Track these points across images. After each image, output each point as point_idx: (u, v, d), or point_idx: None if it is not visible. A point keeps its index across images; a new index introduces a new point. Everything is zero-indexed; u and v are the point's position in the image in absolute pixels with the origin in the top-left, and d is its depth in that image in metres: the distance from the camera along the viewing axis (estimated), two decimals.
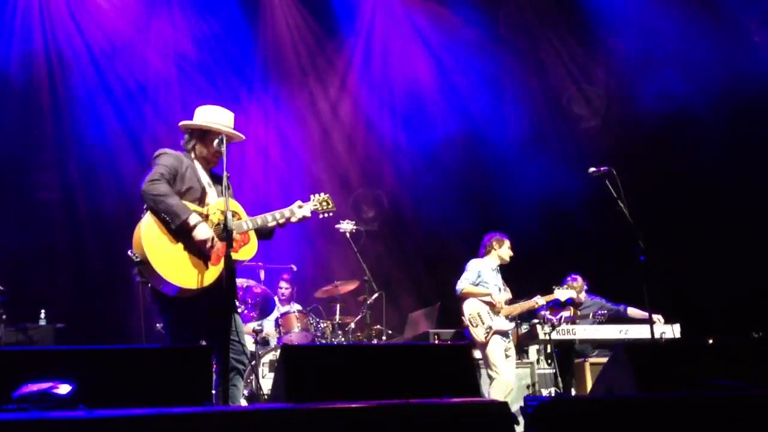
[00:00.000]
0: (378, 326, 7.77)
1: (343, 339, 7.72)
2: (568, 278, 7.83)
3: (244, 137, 4.73)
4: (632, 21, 9.48)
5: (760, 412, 3.25)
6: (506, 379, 6.81)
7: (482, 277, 7.16)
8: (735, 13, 8.90)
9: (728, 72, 8.74)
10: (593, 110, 9.85)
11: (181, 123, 4.68)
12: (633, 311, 7.89)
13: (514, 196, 7.20)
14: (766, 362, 3.81)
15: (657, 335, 6.85)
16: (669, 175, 9.11)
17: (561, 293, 7.10)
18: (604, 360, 7.04)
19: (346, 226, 7.55)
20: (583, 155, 9.00)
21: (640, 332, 7.26)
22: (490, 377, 6.89)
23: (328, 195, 4.92)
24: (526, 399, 2.96)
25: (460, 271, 7.27)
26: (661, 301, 5.99)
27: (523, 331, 7.80)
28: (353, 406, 2.92)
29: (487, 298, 7.04)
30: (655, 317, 6.82)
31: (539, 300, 7.15)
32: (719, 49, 8.88)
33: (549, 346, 7.71)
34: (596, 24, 9.73)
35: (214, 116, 4.64)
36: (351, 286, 8.04)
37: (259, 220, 4.57)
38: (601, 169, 5.42)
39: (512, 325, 7.11)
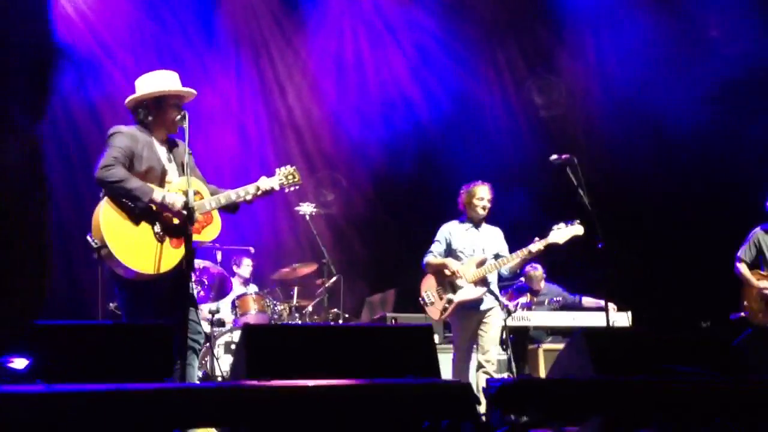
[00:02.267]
0: (335, 310, 7.77)
1: (300, 322, 7.70)
2: (528, 267, 7.90)
3: (196, 92, 4.57)
4: (595, 11, 9.59)
5: (710, 396, 3.35)
6: (461, 360, 6.16)
7: (453, 243, 6.26)
8: (693, 8, 9.07)
9: (687, 64, 8.93)
10: (555, 99, 9.95)
11: (131, 98, 4.46)
12: (588, 301, 8.02)
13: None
14: (715, 350, 3.92)
15: (609, 323, 6.97)
16: (628, 165, 9.26)
17: (559, 234, 5.96)
18: (558, 346, 7.18)
19: (306, 208, 7.53)
20: (545, 143, 9.09)
21: (592, 320, 7.39)
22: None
23: (294, 167, 4.81)
24: (489, 380, 2.99)
25: (418, 256, 7.28)
26: (614, 289, 6.10)
27: None
28: (317, 384, 2.92)
29: (446, 270, 6.15)
30: (610, 305, 6.94)
31: (534, 246, 5.97)
32: (680, 41, 9.06)
33: (504, 332, 7.79)
34: (561, 14, 9.82)
35: (163, 81, 4.46)
36: (309, 269, 8.02)
37: (222, 198, 4.49)
38: (563, 156, 5.49)
39: (481, 290, 6.09)
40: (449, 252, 6.25)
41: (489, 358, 6.07)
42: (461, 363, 6.16)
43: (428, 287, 6.26)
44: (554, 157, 5.58)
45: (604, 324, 6.01)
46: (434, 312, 6.22)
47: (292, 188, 4.81)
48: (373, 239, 10.06)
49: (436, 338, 6.99)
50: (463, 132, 9.83)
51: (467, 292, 6.08)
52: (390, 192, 10.07)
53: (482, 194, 6.22)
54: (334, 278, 7.66)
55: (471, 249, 6.23)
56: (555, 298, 8.00)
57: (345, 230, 9.90)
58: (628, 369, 3.52)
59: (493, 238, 6.31)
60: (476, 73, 10.11)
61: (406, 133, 9.89)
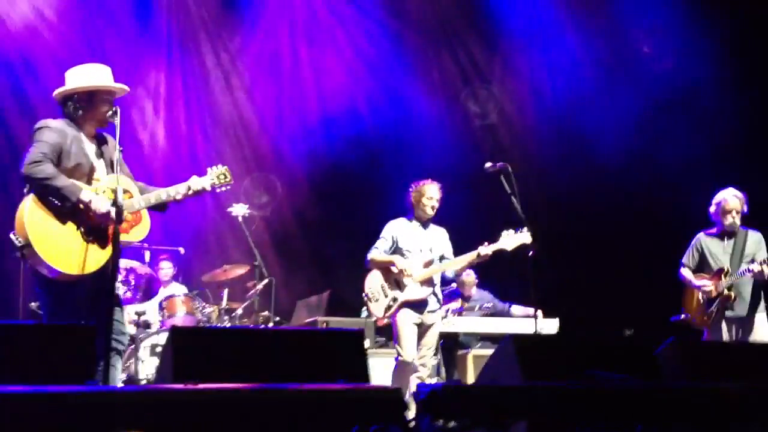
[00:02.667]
0: (266, 313, 7.69)
1: (229, 324, 7.60)
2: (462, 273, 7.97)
3: (128, 89, 4.47)
4: (531, 23, 9.78)
5: (632, 402, 3.45)
6: (409, 360, 5.87)
7: (400, 242, 6.07)
8: (626, 24, 9.33)
9: (616, 80, 9.19)
10: (489, 108, 10.09)
11: (60, 90, 4.32)
12: (517, 309, 8.14)
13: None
14: (637, 357, 4.02)
15: (535, 330, 7.09)
16: (559, 175, 9.45)
17: (508, 241, 5.79)
18: (487, 352, 7.25)
19: (239, 210, 7.44)
20: (479, 151, 9.22)
21: (521, 326, 7.50)
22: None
23: (225, 167, 4.74)
24: (419, 386, 3.00)
25: (351, 260, 7.27)
26: (543, 296, 6.20)
27: None
28: (245, 388, 2.88)
29: (393, 267, 5.97)
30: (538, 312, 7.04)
31: (483, 249, 5.83)
32: (613, 55, 9.32)
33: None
34: (496, 23, 9.97)
35: (96, 75, 4.35)
36: (240, 271, 7.93)
37: (152, 198, 4.39)
38: (497, 164, 5.57)
39: (427, 291, 5.95)
40: (395, 250, 6.08)
41: (425, 362, 6.01)
42: (407, 365, 5.89)
43: (372, 284, 6.08)
44: (489, 164, 5.66)
45: (532, 331, 6.11)
46: (378, 309, 6.05)
47: (223, 188, 4.74)
48: (305, 242, 10.01)
49: (367, 343, 6.99)
50: (400, 137, 9.88)
51: (414, 291, 5.93)
52: (325, 196, 10.03)
53: (431, 193, 6.09)
54: (265, 281, 7.57)
55: (418, 248, 6.07)
56: (485, 305, 8.09)
57: (278, 233, 9.82)
58: (554, 375, 3.58)
59: (439, 238, 6.20)
60: (416, 78, 10.17)
61: (344, 136, 9.87)
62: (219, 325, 7.58)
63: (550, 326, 7.52)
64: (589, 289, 8.94)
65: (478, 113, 10.12)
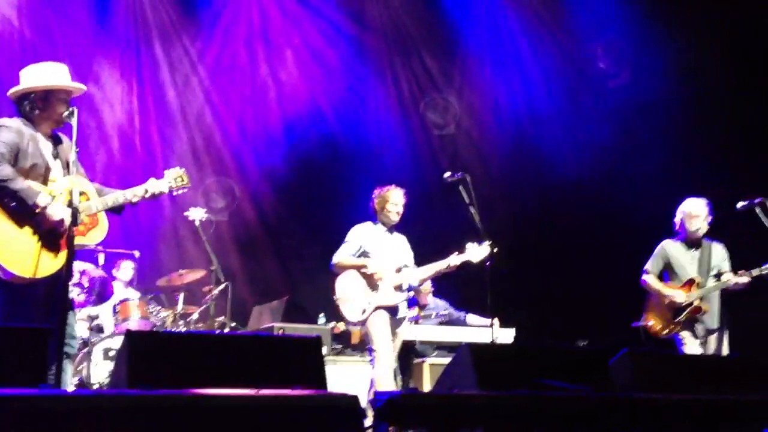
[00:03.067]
0: (222, 318, 7.62)
1: (184, 329, 7.52)
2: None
3: (85, 88, 4.44)
4: (490, 36, 9.90)
5: (584, 411, 3.50)
6: (388, 363, 5.80)
7: (366, 246, 6.00)
8: (583, 39, 9.50)
9: (576, 91, 9.34)
10: (448, 118, 10.16)
11: (15, 90, 4.26)
12: (472, 318, 8.18)
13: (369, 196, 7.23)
14: (591, 367, 4.07)
15: (492, 339, 7.13)
16: (517, 185, 9.56)
17: (474, 253, 5.83)
18: (443, 361, 7.28)
19: (196, 214, 7.36)
20: (438, 161, 9.29)
21: (478, 336, 7.54)
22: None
23: (183, 170, 4.69)
24: (376, 393, 3.01)
25: (309, 267, 7.25)
26: (499, 306, 6.25)
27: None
28: (201, 393, 2.86)
29: (366, 270, 5.90)
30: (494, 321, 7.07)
31: (454, 260, 5.88)
32: (570, 69, 9.47)
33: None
34: (454, 34, 10.07)
35: (53, 74, 4.28)
36: (196, 276, 7.86)
37: (109, 200, 4.34)
38: (456, 175, 5.60)
39: (403, 296, 5.94)
40: (361, 255, 6.00)
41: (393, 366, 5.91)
42: (388, 369, 5.79)
43: (345, 286, 5.96)
44: (448, 174, 5.68)
45: (489, 340, 6.15)
46: (352, 312, 5.90)
47: (180, 191, 4.70)
48: (263, 248, 9.96)
49: (324, 350, 6.97)
50: (360, 144, 9.90)
51: (388, 296, 5.86)
52: (283, 202, 10.00)
53: (396, 199, 6.03)
54: (222, 286, 7.51)
55: (385, 254, 5.99)
56: (441, 312, 8.12)
57: (235, 238, 9.75)
58: (510, 384, 3.62)
59: (403, 244, 6.15)
60: (376, 85, 10.21)
61: (304, 143, 9.86)
62: (174, 329, 7.50)
63: (506, 336, 7.58)
64: (545, 299, 9.05)
65: (436, 123, 10.19)
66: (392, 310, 5.90)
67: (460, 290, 8.31)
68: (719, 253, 6.33)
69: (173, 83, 9.72)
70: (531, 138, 9.55)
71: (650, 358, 4.27)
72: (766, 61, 8.29)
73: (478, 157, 9.85)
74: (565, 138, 9.29)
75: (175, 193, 4.70)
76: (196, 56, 9.85)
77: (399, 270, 5.93)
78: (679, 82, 8.66)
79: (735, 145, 8.37)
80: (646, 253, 6.56)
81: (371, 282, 5.88)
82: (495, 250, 5.79)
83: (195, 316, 7.63)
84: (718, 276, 6.24)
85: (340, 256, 5.98)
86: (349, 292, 5.91)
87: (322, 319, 8.13)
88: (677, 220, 6.39)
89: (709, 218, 6.27)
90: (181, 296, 7.73)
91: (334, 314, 8.01)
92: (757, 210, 5.89)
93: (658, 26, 8.75)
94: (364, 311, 5.81)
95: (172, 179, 4.63)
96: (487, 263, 5.42)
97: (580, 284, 8.92)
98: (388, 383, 5.71)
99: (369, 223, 6.12)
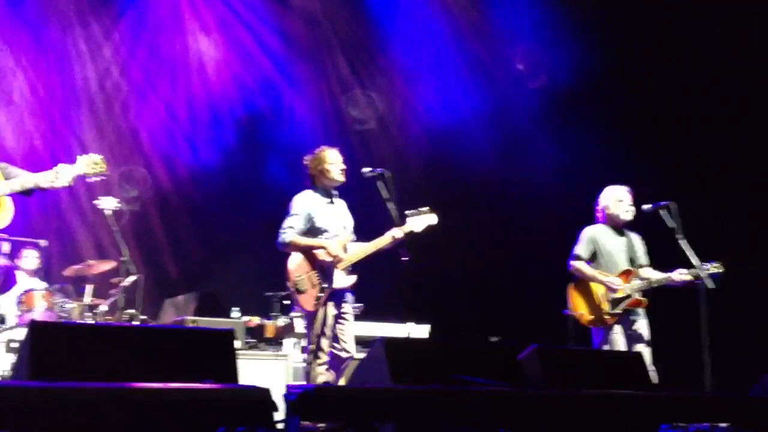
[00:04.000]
0: (132, 310, 7.42)
1: (92, 322, 7.29)
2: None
3: None
4: (413, 31, 9.99)
5: (496, 406, 3.56)
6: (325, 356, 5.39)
7: (317, 219, 5.47)
8: (504, 42, 9.68)
9: (495, 90, 9.52)
10: (369, 114, 10.18)
11: None
12: None
13: (291, 191, 7.12)
14: (502, 362, 4.16)
15: (406, 334, 7.18)
16: (439, 180, 9.66)
17: (415, 222, 5.54)
18: (358, 356, 7.29)
19: (107, 203, 7.16)
20: (358, 157, 9.28)
21: (393, 331, 7.58)
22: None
23: (101, 157, 4.54)
24: (289, 387, 2.98)
25: (223, 260, 7.13)
26: (414, 301, 6.30)
27: (281, 323, 7.83)
28: (107, 387, 2.78)
29: (321, 252, 5.37)
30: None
31: (397, 232, 5.42)
32: (489, 69, 9.64)
33: (305, 340, 7.81)
34: (379, 31, 10.10)
35: None
36: (106, 267, 7.63)
37: (16, 185, 4.17)
38: (376, 170, 5.56)
39: (352, 279, 5.51)
40: (311, 229, 5.46)
41: (353, 354, 5.55)
42: (318, 361, 5.39)
43: (300, 272, 5.38)
44: (367, 170, 5.64)
45: (404, 335, 6.18)
46: (307, 301, 5.36)
47: (96, 178, 4.55)
48: (176, 240, 9.75)
49: (238, 344, 6.88)
50: (275, 135, 9.83)
51: (342, 279, 5.41)
52: (198, 193, 9.82)
53: (333, 158, 5.54)
54: (132, 278, 7.30)
55: (334, 227, 5.51)
56: (356, 307, 8.10)
57: (147, 229, 9.52)
58: (423, 378, 3.65)
59: (345, 213, 5.69)
60: (299, 77, 10.16)
61: (220, 133, 9.72)
62: (81, 322, 7.27)
63: (420, 331, 7.64)
64: (460, 295, 9.17)
65: (357, 118, 10.20)
66: (343, 294, 5.53)
67: (375, 285, 8.33)
68: (640, 244, 6.33)
69: (86, 67, 9.41)
70: (451, 135, 9.67)
71: (558, 354, 4.39)
72: (678, 60, 8.61)
73: (397, 154, 9.90)
74: (484, 136, 9.45)
75: (89, 180, 4.54)
76: (110, 40, 9.57)
77: (346, 249, 5.45)
78: (594, 80, 8.92)
79: (647, 144, 8.67)
80: (561, 247, 6.54)
81: (326, 265, 5.38)
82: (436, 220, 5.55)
83: (103, 308, 7.40)
84: (640, 268, 6.20)
85: (290, 235, 5.39)
86: (304, 279, 5.37)
87: (236, 312, 8.02)
88: (600, 207, 6.31)
89: (633, 207, 6.22)
90: (90, 287, 7.49)
91: (249, 308, 7.94)
92: (662, 213, 6.07)
93: (574, 27, 8.99)
94: (318, 299, 5.30)
95: (86, 165, 4.47)
96: (403, 258, 5.41)
97: (495, 280, 9.08)
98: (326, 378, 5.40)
99: (309, 191, 5.60)
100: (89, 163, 4.48)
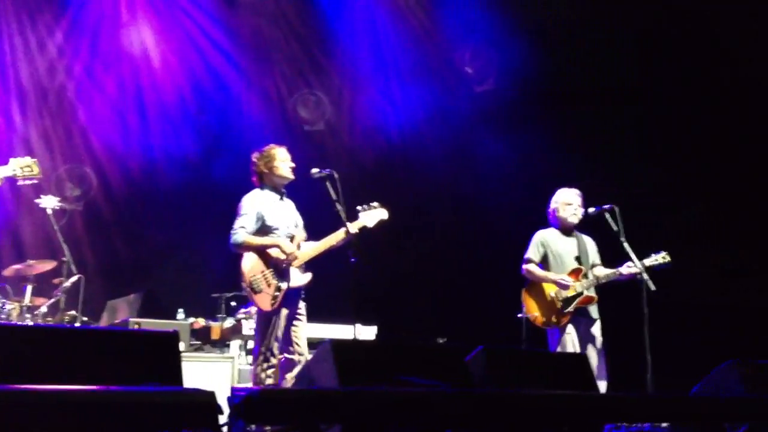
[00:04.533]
0: (73, 312, 7.27)
1: (31, 323, 7.10)
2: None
3: None
4: (362, 32, 9.98)
5: (442, 407, 3.56)
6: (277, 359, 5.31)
7: (269, 217, 5.43)
8: (452, 45, 9.75)
9: (445, 94, 9.57)
10: (318, 114, 10.14)
11: None
12: None
13: (238, 191, 7.03)
14: (449, 363, 4.17)
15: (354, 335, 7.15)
16: (388, 181, 9.66)
17: (367, 218, 5.63)
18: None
19: (48, 202, 7.01)
20: (307, 157, 9.23)
21: (340, 332, 7.55)
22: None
23: (34, 160, 4.43)
24: (233, 390, 2.94)
25: (169, 260, 7.02)
26: (362, 302, 6.27)
27: (228, 325, 7.74)
28: (45, 389, 2.70)
29: (274, 251, 5.35)
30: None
31: (351, 227, 5.48)
32: (439, 73, 9.69)
33: (251, 342, 7.74)
34: (328, 31, 10.07)
35: None
36: (46, 267, 7.46)
37: None
38: (324, 171, 5.54)
39: (308, 277, 5.49)
40: (262, 229, 5.41)
41: (306, 356, 5.44)
42: (267, 364, 5.34)
43: (255, 272, 5.32)
44: (315, 170, 5.61)
45: (351, 336, 6.15)
46: (264, 301, 5.30)
47: (27, 182, 4.44)
48: (119, 240, 9.57)
49: (182, 346, 6.77)
50: (223, 133, 9.73)
51: (297, 277, 5.38)
52: (142, 193, 9.66)
53: (283, 155, 5.53)
54: (74, 278, 7.16)
55: (285, 225, 5.48)
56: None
57: (90, 229, 9.33)
58: (371, 380, 3.64)
59: (294, 212, 5.65)
60: (247, 76, 10.06)
61: (165, 132, 9.58)
62: (20, 323, 7.08)
63: (368, 333, 7.63)
64: (407, 297, 9.19)
65: (306, 119, 10.16)
66: (297, 293, 5.49)
67: (321, 287, 8.29)
68: (592, 246, 6.45)
69: (26, 63, 9.18)
70: (400, 136, 9.69)
71: (504, 355, 4.42)
72: (626, 60, 8.77)
73: (346, 155, 9.89)
74: (433, 137, 9.50)
75: (20, 183, 4.43)
76: (53, 33, 9.35)
77: (299, 246, 5.43)
78: (542, 81, 9.04)
79: (596, 146, 8.81)
80: (512, 248, 6.61)
81: (280, 264, 5.35)
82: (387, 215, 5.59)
83: (43, 309, 7.23)
84: (592, 267, 6.32)
85: (243, 235, 5.33)
86: (259, 279, 5.31)
87: (181, 314, 7.90)
88: (551, 209, 6.44)
89: (582, 209, 6.34)
90: (29, 288, 7.31)
91: (195, 309, 7.83)
92: (607, 215, 6.18)
93: (521, 31, 9.10)
94: (275, 299, 5.27)
95: (18, 167, 4.35)
96: (352, 259, 5.40)
97: (443, 282, 9.12)
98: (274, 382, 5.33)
99: (257, 190, 5.56)
100: (21, 166, 4.38)
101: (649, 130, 8.72)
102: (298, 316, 5.50)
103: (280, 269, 5.35)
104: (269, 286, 5.30)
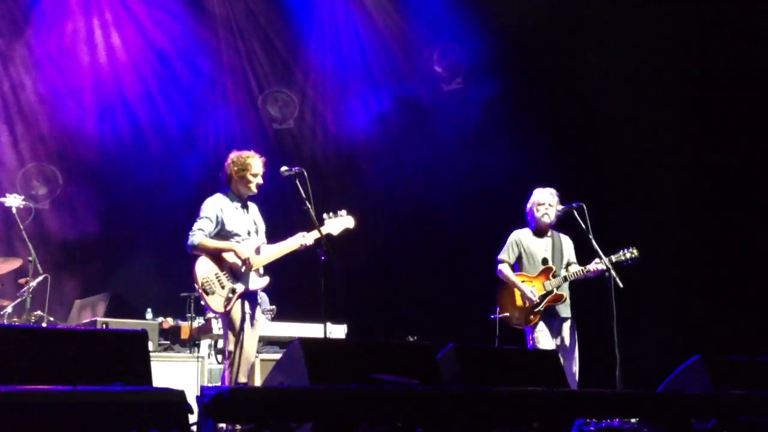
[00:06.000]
0: (39, 312, 7.16)
1: None
2: None
3: None
4: (331, 32, 9.98)
5: (412, 404, 3.58)
6: (248, 359, 5.36)
7: (227, 222, 5.43)
8: (421, 45, 9.78)
9: (413, 91, 9.61)
10: (287, 113, 10.11)
11: None
12: None
13: (205, 190, 6.94)
14: (419, 361, 4.19)
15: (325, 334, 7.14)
16: (357, 180, 9.66)
17: (333, 225, 5.66)
18: (274, 356, 7.22)
19: (13, 200, 6.91)
20: (276, 156, 9.20)
21: (310, 331, 7.54)
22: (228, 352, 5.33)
23: None
24: (203, 389, 2.92)
25: (137, 259, 6.96)
26: (331, 301, 6.25)
27: (197, 324, 7.68)
28: (13, 390, 2.66)
29: (230, 255, 5.35)
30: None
31: (308, 239, 5.50)
32: (406, 71, 9.72)
33: (221, 341, 7.68)
34: (297, 30, 10.05)
35: None
36: (11, 266, 7.34)
37: None
38: (293, 169, 5.51)
39: (266, 280, 5.50)
40: (221, 233, 5.42)
41: (252, 360, 5.52)
42: (245, 367, 5.33)
43: (207, 274, 5.30)
44: (285, 168, 5.59)
45: (320, 335, 6.13)
46: (216, 303, 5.28)
47: None
48: (87, 238, 9.46)
49: (151, 345, 6.70)
50: (189, 132, 9.66)
51: (253, 281, 5.40)
52: (110, 191, 9.55)
53: (258, 168, 5.52)
54: (40, 278, 7.06)
55: (245, 231, 5.49)
56: (267, 308, 8.03)
57: (57, 228, 9.20)
58: (341, 378, 3.64)
59: (257, 217, 5.69)
60: (214, 74, 10.01)
61: (132, 130, 9.49)
62: None
63: (337, 331, 7.62)
64: (377, 294, 9.19)
65: (275, 117, 10.12)
66: (254, 296, 5.50)
67: (290, 286, 8.28)
68: (568, 245, 6.52)
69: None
70: (369, 136, 9.69)
71: (475, 352, 4.44)
72: (600, 63, 8.85)
73: (314, 153, 9.87)
74: (403, 137, 9.50)
75: None
76: (18, 35, 9.21)
77: (258, 251, 5.45)
78: (511, 81, 9.09)
79: (567, 146, 8.87)
80: (484, 248, 6.62)
81: (235, 268, 5.37)
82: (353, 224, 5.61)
83: (9, 309, 7.13)
84: (568, 266, 6.40)
85: (200, 237, 5.33)
86: (212, 281, 5.30)
87: (149, 314, 7.83)
88: (527, 209, 6.51)
89: (558, 207, 6.38)
90: None
91: (164, 308, 7.76)
92: (575, 213, 6.23)
93: (490, 28, 9.15)
94: (228, 300, 5.27)
95: None
96: (323, 258, 5.39)
97: (412, 280, 9.14)
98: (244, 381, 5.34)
99: (219, 195, 5.57)
100: None
101: (630, 130, 8.77)
102: (252, 320, 5.47)
103: (234, 272, 5.37)
104: (223, 288, 5.31)
